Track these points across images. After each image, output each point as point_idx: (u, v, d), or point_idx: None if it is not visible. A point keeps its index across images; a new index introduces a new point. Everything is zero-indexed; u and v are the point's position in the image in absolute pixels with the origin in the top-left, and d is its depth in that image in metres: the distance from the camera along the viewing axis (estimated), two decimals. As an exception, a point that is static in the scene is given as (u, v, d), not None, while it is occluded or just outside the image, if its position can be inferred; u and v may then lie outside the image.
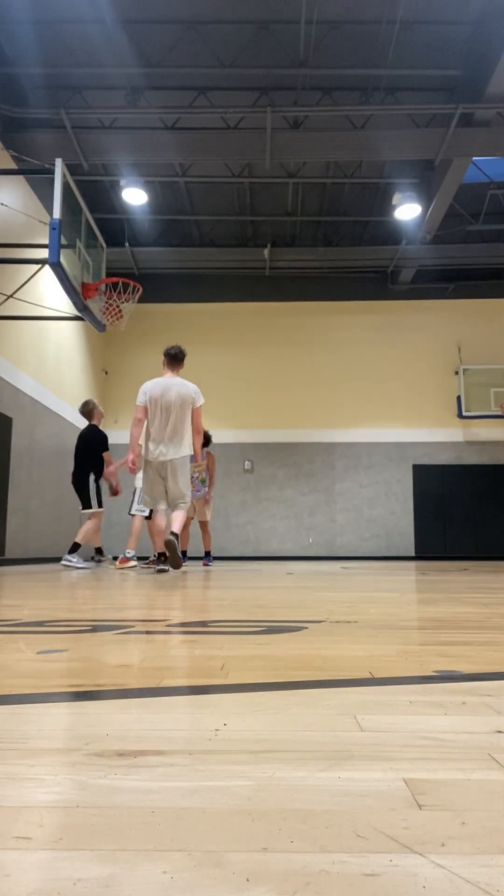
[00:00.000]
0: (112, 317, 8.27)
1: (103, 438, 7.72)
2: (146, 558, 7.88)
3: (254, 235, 13.57)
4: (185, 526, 7.05)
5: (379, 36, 8.49)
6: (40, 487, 10.43)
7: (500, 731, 0.79)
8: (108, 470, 7.72)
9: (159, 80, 9.16)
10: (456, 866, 0.46)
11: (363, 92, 9.29)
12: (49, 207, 7.32)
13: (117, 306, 8.22)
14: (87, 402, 8.01)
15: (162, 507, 5.89)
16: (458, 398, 14.16)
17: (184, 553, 7.27)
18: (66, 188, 6.82)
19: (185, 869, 0.46)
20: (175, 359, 6.09)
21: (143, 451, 5.94)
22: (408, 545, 13.92)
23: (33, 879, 0.45)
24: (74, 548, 7.23)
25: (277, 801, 0.58)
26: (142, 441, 5.97)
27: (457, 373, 14.30)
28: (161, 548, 6.01)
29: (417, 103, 9.25)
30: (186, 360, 6.26)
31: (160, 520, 5.93)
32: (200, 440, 6.07)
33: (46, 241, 6.76)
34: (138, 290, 8.14)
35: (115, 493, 7.74)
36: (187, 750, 0.73)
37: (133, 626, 1.92)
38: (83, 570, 6.89)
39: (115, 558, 7.99)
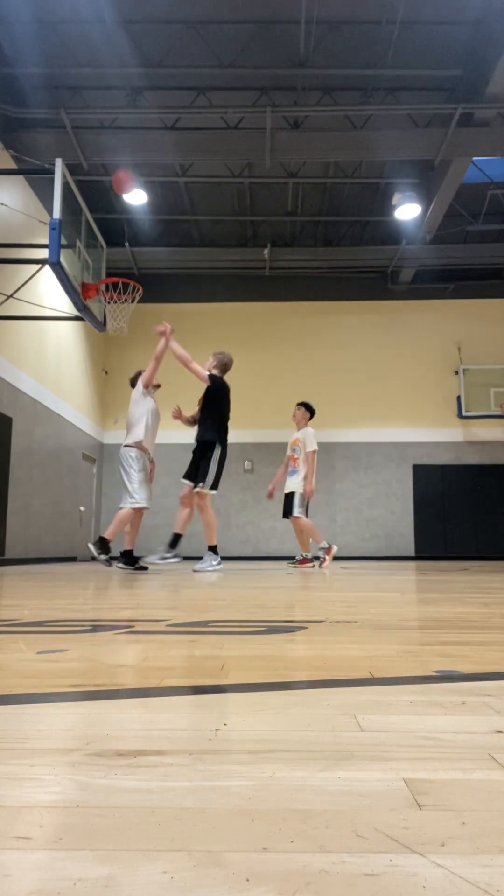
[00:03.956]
0: (116, 321, 8.27)
1: None
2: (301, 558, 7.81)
3: (254, 235, 13.57)
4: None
5: (379, 36, 8.49)
6: (40, 487, 10.43)
7: (500, 731, 0.79)
8: None
9: (159, 80, 9.16)
10: (456, 866, 0.46)
11: (363, 92, 9.29)
12: (49, 207, 7.33)
13: (121, 306, 8.21)
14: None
15: None
16: (458, 398, 14.16)
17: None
18: (66, 188, 6.82)
19: (185, 869, 0.46)
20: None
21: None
22: (408, 545, 13.91)
23: (33, 879, 0.45)
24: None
25: (277, 801, 0.58)
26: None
27: (457, 373, 14.29)
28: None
29: (417, 103, 9.26)
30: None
31: None
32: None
33: (46, 241, 6.76)
34: (138, 290, 8.14)
35: None
36: (187, 750, 0.73)
37: (133, 626, 1.92)
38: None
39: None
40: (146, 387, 6.22)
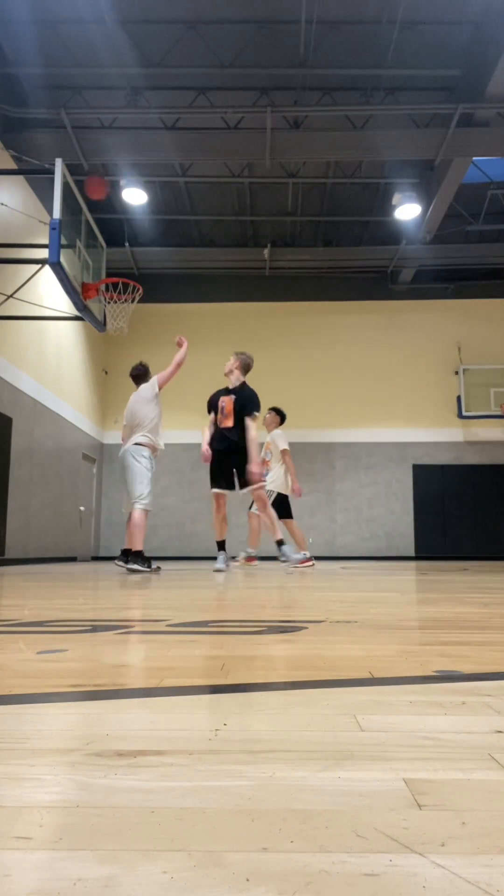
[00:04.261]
0: (116, 321, 8.28)
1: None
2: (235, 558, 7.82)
3: (254, 235, 13.58)
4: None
5: (379, 36, 8.49)
6: (40, 487, 10.43)
7: (500, 731, 0.79)
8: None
9: (159, 80, 9.16)
10: (456, 866, 0.46)
11: (363, 92, 9.29)
12: (49, 207, 7.34)
13: (120, 306, 8.22)
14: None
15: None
16: (458, 398, 14.16)
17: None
18: (66, 188, 6.82)
19: (185, 869, 0.46)
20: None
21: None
22: (408, 545, 13.91)
23: (33, 879, 0.45)
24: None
25: (277, 801, 0.58)
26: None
27: (457, 373, 14.30)
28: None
29: (417, 103, 9.26)
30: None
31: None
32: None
33: (46, 241, 6.76)
34: (138, 290, 8.14)
35: None
36: (187, 750, 0.73)
37: (133, 626, 1.92)
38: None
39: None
40: (161, 388, 6.20)
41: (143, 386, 6.26)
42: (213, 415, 6.35)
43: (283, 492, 7.73)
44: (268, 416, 8.10)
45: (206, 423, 6.40)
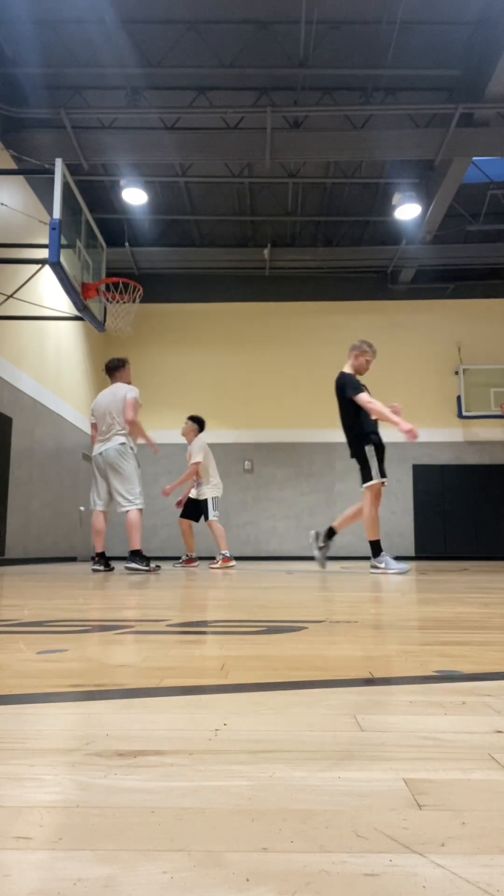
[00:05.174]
0: (119, 321, 8.28)
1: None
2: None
3: (254, 235, 13.57)
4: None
5: (379, 36, 8.49)
6: (40, 487, 10.43)
7: (500, 731, 0.79)
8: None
9: (159, 80, 9.16)
10: (456, 866, 0.46)
11: (363, 92, 9.29)
12: (49, 207, 7.33)
13: (122, 306, 8.22)
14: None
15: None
16: (458, 398, 14.16)
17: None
18: (66, 188, 6.81)
19: (185, 869, 0.46)
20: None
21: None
22: (408, 545, 13.91)
23: (33, 879, 0.45)
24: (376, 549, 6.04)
25: (277, 801, 0.58)
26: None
27: (457, 373, 14.29)
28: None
29: (417, 103, 9.26)
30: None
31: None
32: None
33: (46, 241, 6.75)
34: (138, 290, 8.14)
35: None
36: (187, 750, 0.73)
37: (133, 626, 1.92)
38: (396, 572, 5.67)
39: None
40: (129, 423, 6.03)
41: (120, 387, 6.14)
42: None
43: (217, 495, 7.78)
44: (185, 425, 8.02)
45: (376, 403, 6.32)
